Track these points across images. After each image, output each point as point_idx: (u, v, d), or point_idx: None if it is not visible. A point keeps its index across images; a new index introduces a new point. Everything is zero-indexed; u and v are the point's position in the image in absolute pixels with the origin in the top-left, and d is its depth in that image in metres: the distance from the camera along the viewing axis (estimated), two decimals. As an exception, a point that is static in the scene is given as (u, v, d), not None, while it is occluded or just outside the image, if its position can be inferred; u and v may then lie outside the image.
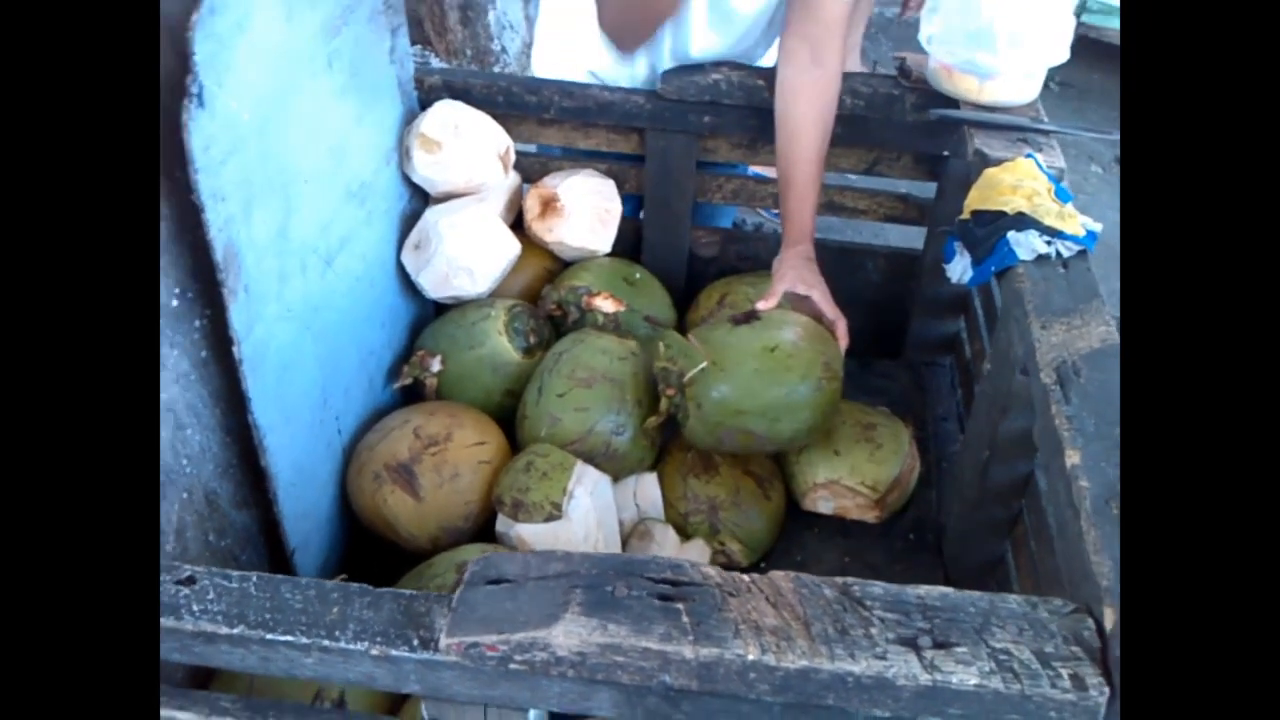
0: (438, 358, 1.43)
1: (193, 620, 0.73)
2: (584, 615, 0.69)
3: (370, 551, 1.33)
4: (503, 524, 1.25)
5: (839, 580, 0.72)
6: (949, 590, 0.71)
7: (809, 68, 1.38)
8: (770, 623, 0.69)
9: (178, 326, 0.98)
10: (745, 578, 0.73)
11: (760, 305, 1.34)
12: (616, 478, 1.35)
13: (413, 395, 1.46)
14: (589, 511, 1.24)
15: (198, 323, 1.01)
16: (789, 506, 1.43)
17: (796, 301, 1.38)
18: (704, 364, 1.27)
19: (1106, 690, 0.65)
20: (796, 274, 1.37)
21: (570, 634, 0.67)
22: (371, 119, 1.33)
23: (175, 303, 0.97)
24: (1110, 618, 0.68)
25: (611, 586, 0.71)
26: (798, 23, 1.38)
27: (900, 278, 1.71)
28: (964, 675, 0.66)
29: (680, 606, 0.69)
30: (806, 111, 1.39)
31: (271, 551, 1.19)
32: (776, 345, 1.29)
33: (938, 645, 0.67)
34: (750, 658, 0.66)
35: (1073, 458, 0.83)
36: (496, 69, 2.43)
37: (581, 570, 0.72)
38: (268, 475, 1.08)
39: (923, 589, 0.72)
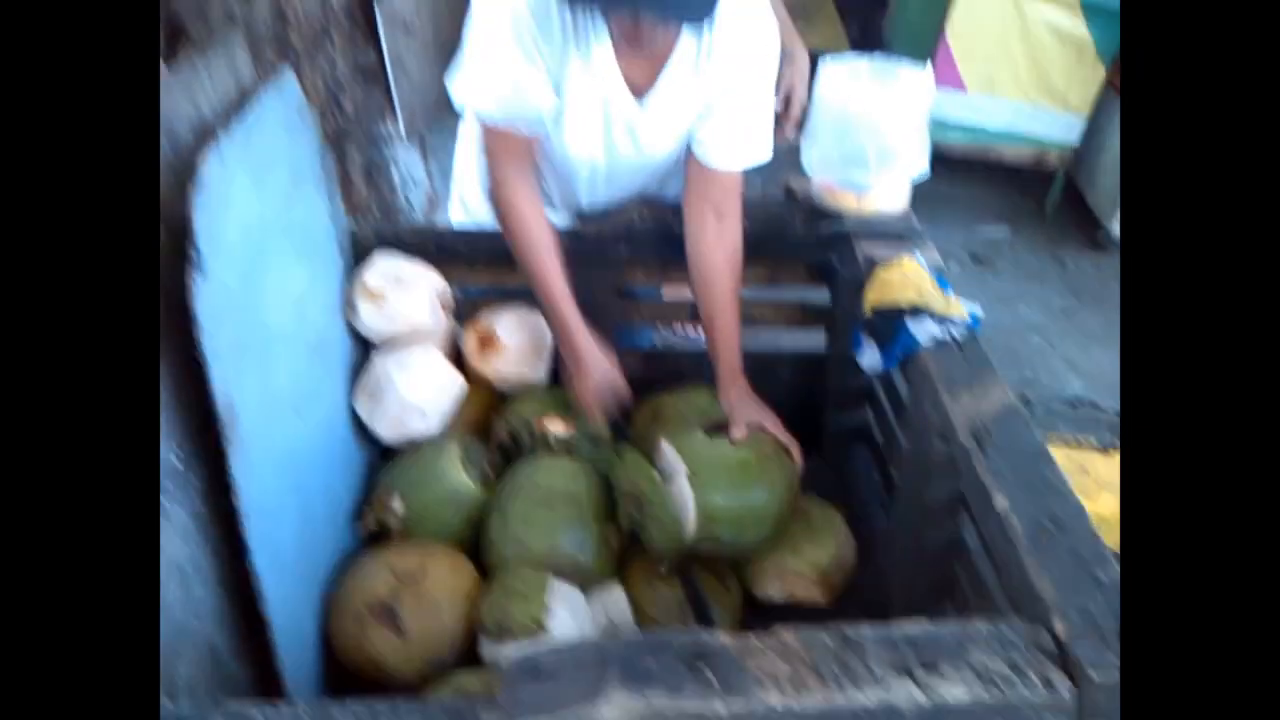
0: (397, 496, 1.49)
1: (253, 751, 0.77)
2: (624, 688, 0.77)
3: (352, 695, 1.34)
4: (488, 648, 1.30)
5: (832, 626, 0.83)
6: (926, 623, 0.83)
7: (714, 224, 1.54)
8: (785, 671, 0.78)
9: (179, 484, 1.03)
10: (754, 638, 0.83)
11: (734, 433, 1.46)
12: (584, 590, 1.42)
13: (376, 537, 1.51)
14: (569, 625, 1.30)
15: (195, 480, 1.06)
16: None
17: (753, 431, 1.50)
18: (657, 481, 1.38)
19: (1073, 687, 0.77)
20: (746, 409, 1.51)
21: (614, 706, 0.75)
22: (321, 276, 1.42)
23: (176, 461, 1.02)
24: (1062, 627, 0.81)
25: (642, 661, 0.79)
26: (698, 188, 1.55)
27: (809, 377, 1.87)
28: (956, 692, 0.77)
29: (706, 669, 0.79)
30: (718, 263, 1.54)
31: (268, 704, 1.20)
32: (748, 460, 1.41)
33: (927, 669, 0.78)
34: (775, 704, 0.76)
35: (1001, 502, 0.97)
36: (403, 222, 2.56)
37: (612, 650, 0.81)
38: (266, 624, 1.12)
39: (904, 625, 0.83)
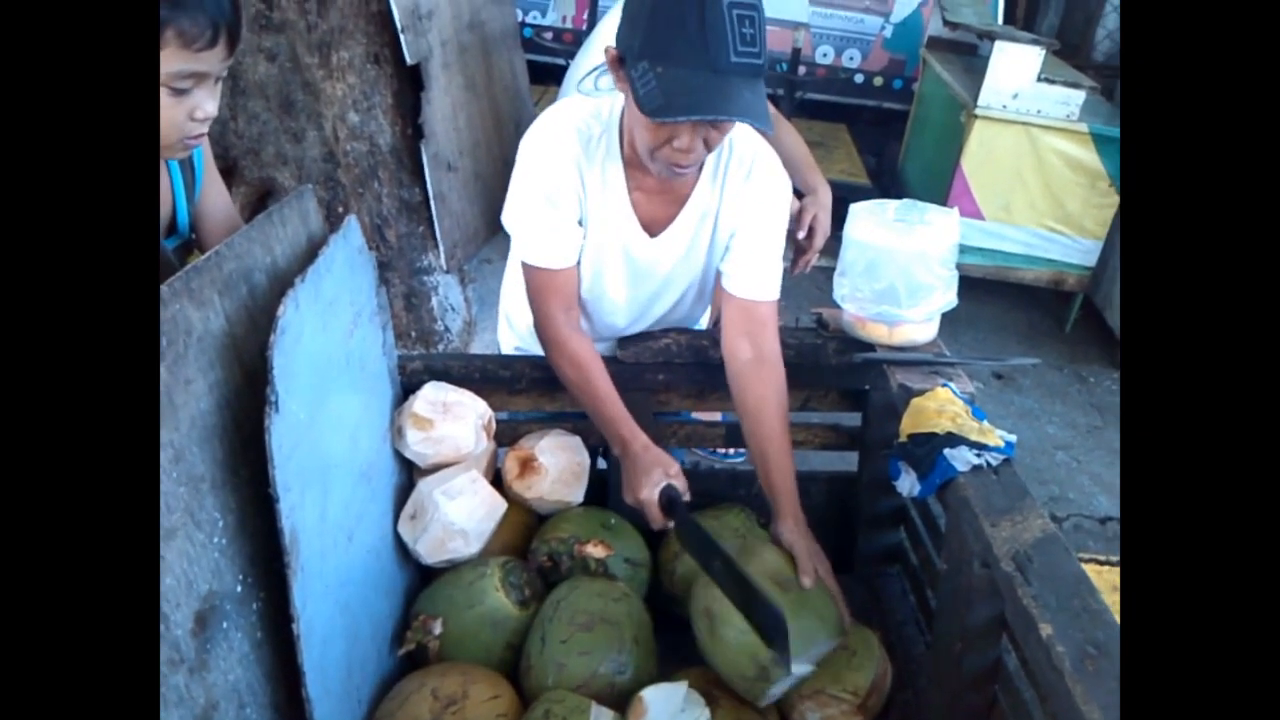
0: (438, 620, 1.51)
1: None
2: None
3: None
4: (527, 773, 1.30)
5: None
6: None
7: (753, 358, 1.60)
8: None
9: (240, 610, 1.06)
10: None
11: (805, 582, 1.45)
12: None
13: (414, 660, 1.52)
14: (609, 750, 1.30)
15: (255, 605, 1.10)
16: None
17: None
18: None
19: (1125, 818, 0.78)
20: (808, 545, 1.50)
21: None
22: (373, 405, 1.48)
23: (239, 588, 1.06)
24: (1111, 756, 0.82)
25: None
26: (735, 323, 1.62)
27: (841, 498, 1.90)
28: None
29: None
30: (763, 394, 1.58)
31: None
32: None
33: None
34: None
35: (1046, 629, 0.99)
36: (441, 347, 2.65)
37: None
38: (314, 748, 1.13)
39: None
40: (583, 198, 1.54)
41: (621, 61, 1.36)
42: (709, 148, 1.39)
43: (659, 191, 1.55)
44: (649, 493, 1.48)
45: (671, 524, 1.49)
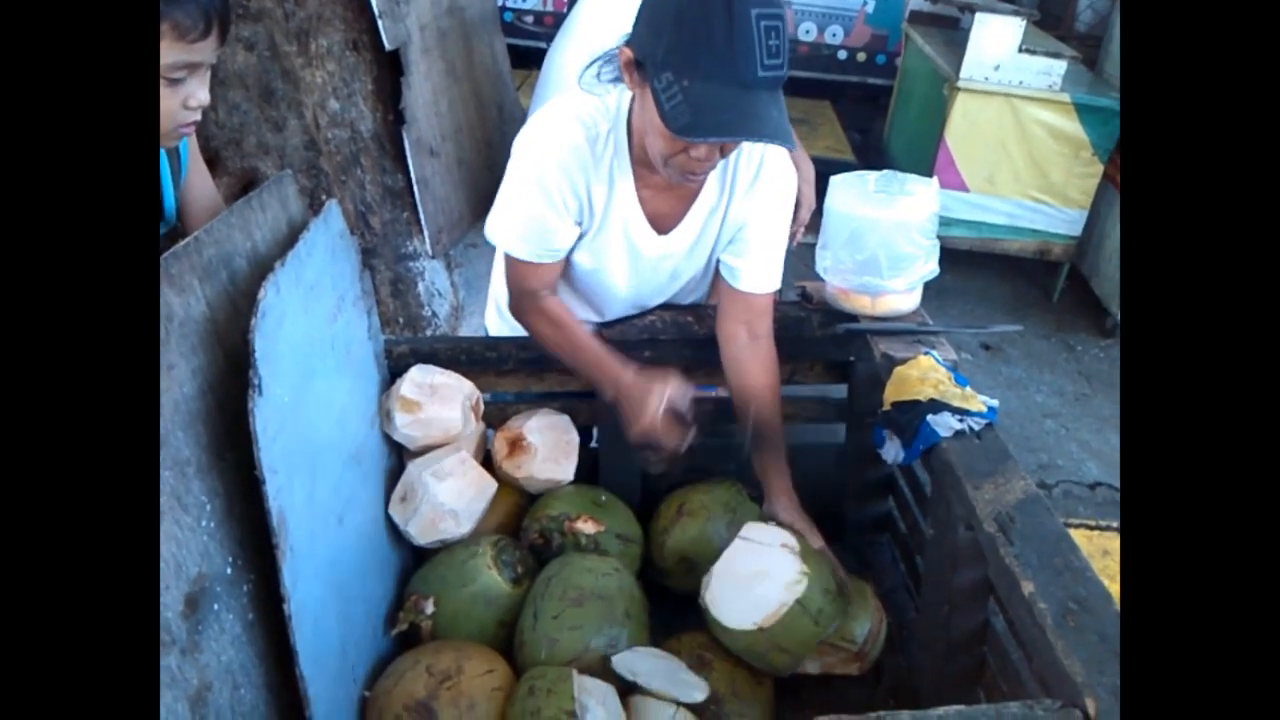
0: (431, 600, 1.52)
1: None
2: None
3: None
4: (524, 748, 1.31)
5: (871, 715, 0.86)
6: (962, 707, 0.86)
7: (748, 343, 1.63)
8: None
9: (231, 592, 1.07)
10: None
11: (815, 543, 1.52)
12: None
13: (408, 640, 1.53)
14: (604, 717, 1.32)
15: (245, 587, 1.11)
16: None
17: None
18: None
19: (1106, 765, 0.79)
20: (805, 521, 1.57)
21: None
22: (360, 389, 1.49)
23: (229, 570, 1.07)
24: (1092, 705, 0.84)
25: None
26: (731, 310, 1.64)
27: (829, 469, 1.91)
28: (993, 774, 0.79)
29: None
30: (758, 380, 1.62)
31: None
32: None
33: (965, 753, 0.81)
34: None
35: (1028, 587, 1.01)
36: (428, 332, 2.66)
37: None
38: (310, 727, 1.14)
39: (940, 710, 0.86)
40: (584, 198, 1.52)
41: (638, 66, 1.31)
42: (723, 155, 1.37)
43: (666, 189, 1.54)
44: (650, 419, 1.49)
45: (690, 435, 1.50)
